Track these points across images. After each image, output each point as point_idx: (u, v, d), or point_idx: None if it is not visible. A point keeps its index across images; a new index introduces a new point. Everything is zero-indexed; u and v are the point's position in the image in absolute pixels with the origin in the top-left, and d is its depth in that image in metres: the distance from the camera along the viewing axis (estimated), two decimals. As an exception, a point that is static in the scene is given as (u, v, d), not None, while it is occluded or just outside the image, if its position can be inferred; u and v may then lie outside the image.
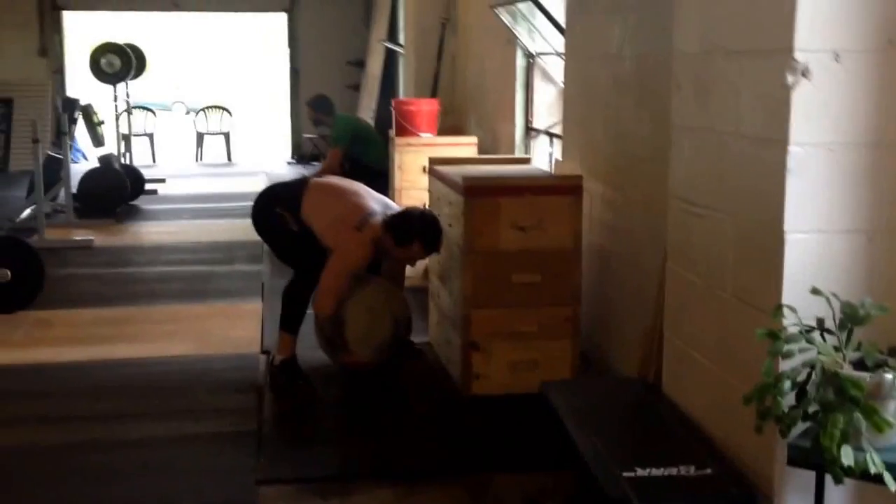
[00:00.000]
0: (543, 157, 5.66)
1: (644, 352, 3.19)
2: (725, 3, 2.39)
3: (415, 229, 4.02)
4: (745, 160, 2.27)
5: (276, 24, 14.53)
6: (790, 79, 2.07)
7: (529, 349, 3.92)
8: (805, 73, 2.06)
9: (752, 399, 1.98)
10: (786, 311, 2.04)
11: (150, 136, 13.38)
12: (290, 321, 4.08)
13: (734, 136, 2.32)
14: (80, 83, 12.59)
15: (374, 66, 11.22)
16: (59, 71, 12.85)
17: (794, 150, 2.08)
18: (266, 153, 14.43)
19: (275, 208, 4.17)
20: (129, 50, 9.97)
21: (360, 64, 12.36)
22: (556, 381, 3.27)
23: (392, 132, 6.51)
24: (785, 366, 2.00)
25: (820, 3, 2.05)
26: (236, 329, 4.96)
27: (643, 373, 3.15)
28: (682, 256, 2.65)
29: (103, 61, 9.77)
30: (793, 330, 2.00)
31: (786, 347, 1.97)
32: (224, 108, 14.01)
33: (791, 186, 2.09)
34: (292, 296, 4.09)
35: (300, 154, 13.01)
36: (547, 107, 5.77)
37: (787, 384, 1.95)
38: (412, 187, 5.54)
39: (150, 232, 7.92)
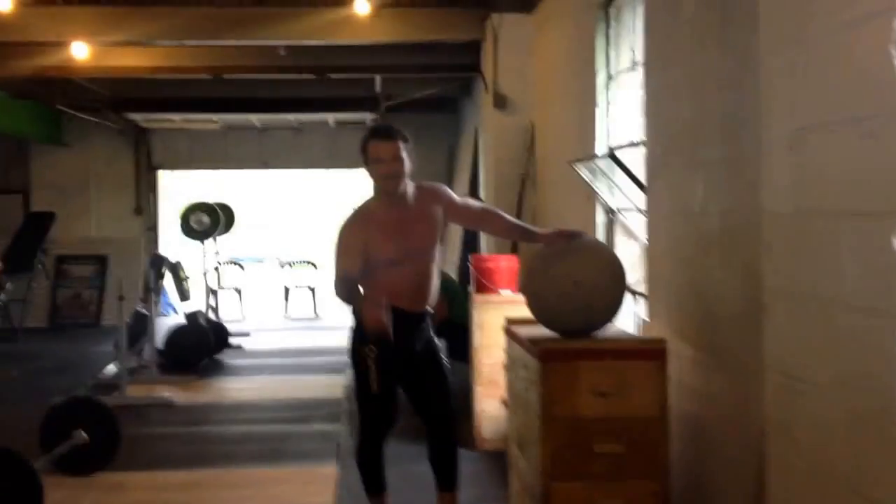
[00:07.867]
0: (628, 316, 5.45)
1: (744, 538, 2.89)
2: (823, 161, 2.23)
3: (364, 138, 4.17)
4: (850, 331, 2.06)
5: (360, 180, 14.94)
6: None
7: (616, 526, 3.63)
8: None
9: None
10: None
11: (238, 290, 13.66)
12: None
13: (836, 304, 2.12)
14: (174, 239, 13.04)
15: (456, 220, 11.32)
16: (152, 228, 13.38)
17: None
18: (351, 307, 14.53)
19: None
20: (217, 208, 10.31)
21: (443, 219, 12.51)
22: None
23: (471, 289, 6.42)
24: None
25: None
26: (309, 495, 4.81)
27: (744, 562, 2.84)
28: (784, 436, 2.41)
29: (192, 219, 10.11)
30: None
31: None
32: (310, 262, 14.26)
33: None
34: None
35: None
36: (630, 265, 5.60)
37: None
38: (493, 345, 5.38)
39: (231, 388, 7.91)
